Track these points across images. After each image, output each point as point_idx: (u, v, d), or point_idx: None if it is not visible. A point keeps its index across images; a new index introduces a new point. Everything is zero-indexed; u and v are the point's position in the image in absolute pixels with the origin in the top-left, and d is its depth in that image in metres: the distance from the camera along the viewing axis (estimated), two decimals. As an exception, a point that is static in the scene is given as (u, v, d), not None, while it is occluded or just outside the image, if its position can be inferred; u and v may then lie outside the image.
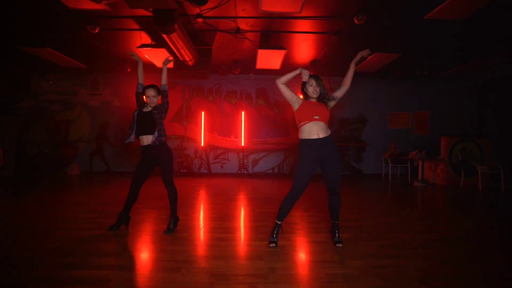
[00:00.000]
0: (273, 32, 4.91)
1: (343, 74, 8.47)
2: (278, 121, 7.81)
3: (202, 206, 4.02)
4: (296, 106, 2.45)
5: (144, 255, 2.23)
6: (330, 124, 2.53)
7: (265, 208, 3.78)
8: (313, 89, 2.43)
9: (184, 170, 7.32)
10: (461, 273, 1.92)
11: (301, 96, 2.56)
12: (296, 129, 7.67)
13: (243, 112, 7.64)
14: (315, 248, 2.36)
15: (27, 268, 1.91)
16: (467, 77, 7.43)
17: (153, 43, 5.17)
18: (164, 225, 2.89)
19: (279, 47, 5.22)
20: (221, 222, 3.13)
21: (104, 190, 5.11)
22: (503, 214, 3.80)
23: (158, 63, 5.99)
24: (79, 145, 7.84)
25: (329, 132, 2.40)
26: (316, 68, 6.50)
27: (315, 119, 2.34)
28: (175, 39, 4.15)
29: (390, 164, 7.11)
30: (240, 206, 4.05)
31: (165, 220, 3.07)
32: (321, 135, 2.34)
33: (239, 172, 7.65)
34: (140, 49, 5.16)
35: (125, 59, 6.34)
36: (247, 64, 6.63)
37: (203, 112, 7.64)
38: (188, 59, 5.16)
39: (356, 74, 7.09)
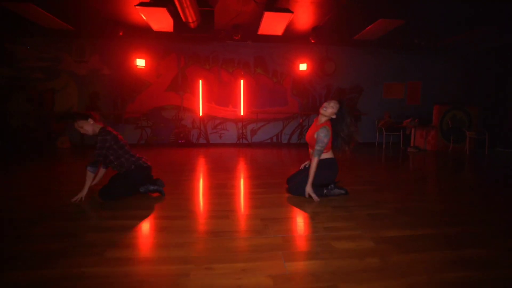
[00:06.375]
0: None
1: (343, 43, 8.34)
2: (277, 91, 7.76)
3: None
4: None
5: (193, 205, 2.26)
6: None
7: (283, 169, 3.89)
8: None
9: (182, 141, 7.22)
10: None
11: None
12: (294, 98, 7.79)
13: (241, 81, 7.49)
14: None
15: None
16: (459, 49, 7.64)
17: (152, 1, 4.82)
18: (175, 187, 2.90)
19: (286, 10, 5.05)
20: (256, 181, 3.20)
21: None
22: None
23: (155, 26, 5.63)
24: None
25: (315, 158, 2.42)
26: (317, 35, 6.40)
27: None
28: (183, -4, 3.89)
29: (384, 133, 7.40)
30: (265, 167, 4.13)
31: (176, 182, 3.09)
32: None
33: (238, 142, 7.66)
34: (138, 7, 4.80)
35: (117, 21, 5.89)
36: (248, 29, 6.39)
37: (200, 81, 7.40)
38: (191, 21, 4.88)
39: (354, 43, 7.20)
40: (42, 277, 1.21)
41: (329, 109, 2.42)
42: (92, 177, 2.36)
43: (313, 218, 1.95)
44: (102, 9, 5.34)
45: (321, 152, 2.37)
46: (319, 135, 2.38)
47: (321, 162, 2.48)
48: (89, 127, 2.33)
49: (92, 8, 5.26)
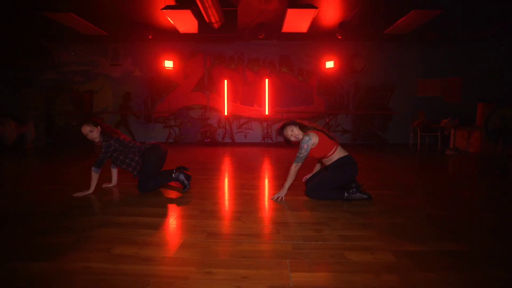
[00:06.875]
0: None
1: (372, 38, 7.94)
2: (302, 89, 7.57)
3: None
4: (317, 141, 2.36)
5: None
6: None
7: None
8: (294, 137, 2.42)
9: (208, 140, 7.34)
10: None
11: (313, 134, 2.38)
12: (321, 97, 7.53)
13: (266, 80, 7.42)
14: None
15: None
16: (506, 39, 6.82)
17: (177, 4, 4.94)
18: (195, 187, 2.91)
19: (310, 5, 4.88)
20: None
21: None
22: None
23: (181, 28, 5.78)
24: (104, 116, 7.94)
25: None
26: (344, 30, 6.11)
27: None
28: (205, -4, 3.92)
29: (419, 133, 6.85)
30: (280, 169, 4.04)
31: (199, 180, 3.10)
32: None
33: (263, 141, 7.61)
34: (165, 11, 4.95)
35: (146, 25, 6.15)
36: (272, 28, 6.30)
37: (225, 81, 7.47)
38: (214, 21, 4.92)
39: (385, 37, 6.76)
40: (49, 268, 1.26)
41: (295, 132, 2.38)
42: (97, 177, 2.50)
43: (328, 224, 1.83)
44: (133, 14, 5.61)
45: (300, 158, 2.34)
46: (301, 143, 2.36)
47: (332, 164, 2.39)
48: (97, 133, 2.49)
49: (123, 13, 5.55)
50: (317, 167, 2.80)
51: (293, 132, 2.39)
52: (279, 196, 2.39)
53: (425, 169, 4.14)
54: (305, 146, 2.32)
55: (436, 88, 7.63)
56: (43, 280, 1.19)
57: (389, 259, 1.38)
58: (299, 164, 2.35)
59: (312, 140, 2.33)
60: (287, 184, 2.39)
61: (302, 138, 2.35)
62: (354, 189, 2.38)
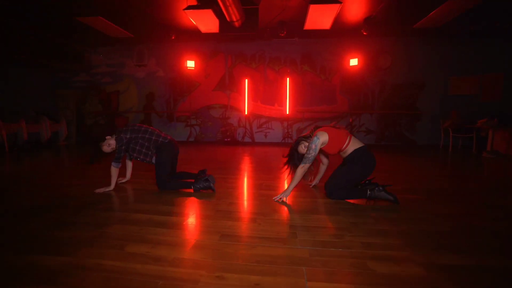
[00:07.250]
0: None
1: (400, 34, 7.51)
2: (325, 88, 7.35)
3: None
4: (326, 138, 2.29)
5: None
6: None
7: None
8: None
9: (228, 139, 7.36)
10: None
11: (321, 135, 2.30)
12: (344, 96, 7.26)
13: (288, 79, 7.30)
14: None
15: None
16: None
17: (198, 4, 4.98)
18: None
19: (334, 0, 4.70)
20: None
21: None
22: None
23: (203, 28, 5.83)
24: (129, 115, 8.23)
25: None
26: (370, 26, 5.83)
27: None
28: (225, -6, 3.90)
29: (451, 134, 6.38)
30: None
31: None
32: None
33: (283, 141, 7.50)
34: (187, 11, 5.01)
35: (169, 25, 6.28)
36: (294, 25, 6.16)
37: (246, 80, 7.45)
38: (235, 19, 4.90)
39: (414, 32, 6.37)
40: (63, 263, 1.28)
41: (307, 144, 2.33)
42: (117, 173, 2.56)
43: (350, 230, 1.70)
44: (156, 15, 5.74)
45: (308, 159, 2.23)
46: (309, 143, 2.27)
47: (348, 157, 2.31)
48: (113, 141, 2.56)
49: (147, 15, 5.69)
50: (322, 167, 2.75)
51: (305, 145, 2.35)
52: (281, 197, 2.29)
53: (457, 172, 3.82)
54: (313, 146, 2.23)
55: (471, 85, 7.07)
56: (57, 275, 1.20)
57: (418, 273, 1.24)
58: (307, 165, 2.25)
59: (320, 139, 2.24)
60: (291, 186, 2.29)
61: (311, 140, 2.27)
62: (380, 187, 2.22)
